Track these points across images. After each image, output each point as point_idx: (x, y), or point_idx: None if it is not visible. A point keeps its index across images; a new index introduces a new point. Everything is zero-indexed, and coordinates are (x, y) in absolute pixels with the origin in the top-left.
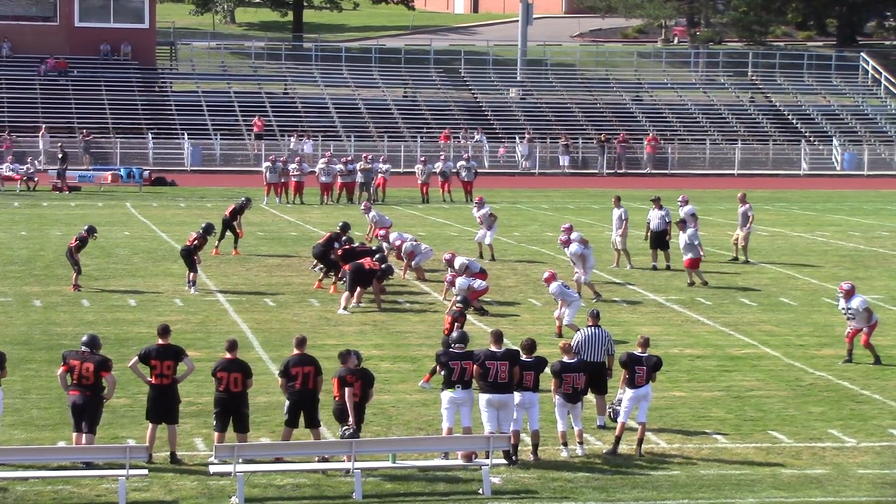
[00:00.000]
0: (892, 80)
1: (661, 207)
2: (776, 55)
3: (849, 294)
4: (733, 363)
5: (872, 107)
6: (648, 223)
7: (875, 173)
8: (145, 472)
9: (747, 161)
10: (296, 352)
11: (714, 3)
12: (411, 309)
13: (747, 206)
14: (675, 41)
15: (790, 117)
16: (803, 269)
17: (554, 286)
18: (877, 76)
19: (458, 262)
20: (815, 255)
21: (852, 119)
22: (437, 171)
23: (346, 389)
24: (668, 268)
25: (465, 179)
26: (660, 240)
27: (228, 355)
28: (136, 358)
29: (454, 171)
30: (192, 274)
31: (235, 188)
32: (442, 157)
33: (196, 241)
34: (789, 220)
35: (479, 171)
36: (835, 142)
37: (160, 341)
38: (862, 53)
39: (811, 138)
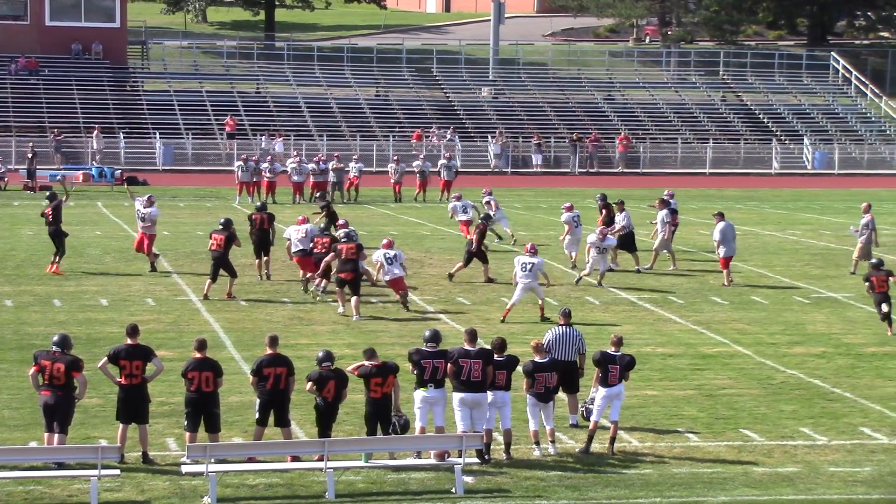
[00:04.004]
0: (863, 80)
1: (623, 210)
2: (747, 54)
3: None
4: (705, 362)
5: (843, 106)
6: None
7: (846, 172)
8: (117, 472)
9: (719, 160)
10: (269, 351)
11: (685, 3)
12: (384, 308)
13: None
14: (647, 40)
15: (761, 116)
16: (774, 268)
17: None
18: (847, 75)
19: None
20: (786, 253)
21: (823, 118)
22: (416, 170)
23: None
24: (637, 271)
25: (446, 178)
26: (627, 241)
27: (198, 355)
28: (106, 358)
29: (433, 170)
30: (233, 279)
31: (207, 187)
32: (421, 157)
33: (222, 244)
34: (761, 218)
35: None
36: (806, 141)
37: (129, 341)
38: (832, 53)
39: (782, 137)
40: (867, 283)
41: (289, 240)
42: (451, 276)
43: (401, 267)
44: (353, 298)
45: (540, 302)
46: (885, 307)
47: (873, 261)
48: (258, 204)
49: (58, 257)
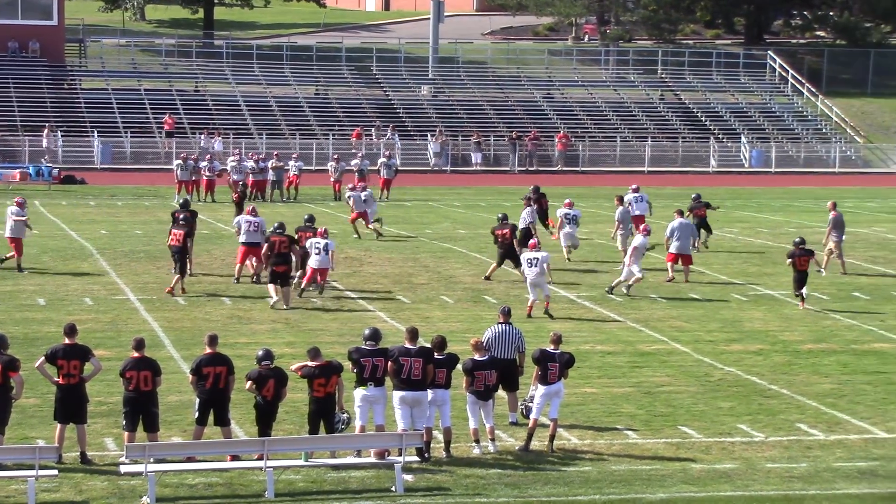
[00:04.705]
0: (799, 79)
1: (529, 205)
2: (685, 53)
3: None
4: (644, 359)
5: (780, 104)
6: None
7: (782, 170)
8: (55, 472)
9: (657, 158)
10: (208, 350)
11: (624, 2)
12: (323, 307)
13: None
14: (586, 39)
15: (699, 115)
16: (712, 265)
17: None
18: (784, 74)
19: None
20: (723, 251)
21: (760, 117)
22: (355, 168)
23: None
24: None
25: (385, 177)
26: (527, 238)
27: (136, 354)
28: (43, 358)
29: (372, 168)
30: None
31: (146, 186)
32: (359, 155)
33: (181, 239)
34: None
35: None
36: (743, 139)
37: (67, 341)
38: (769, 52)
39: (720, 135)
40: (789, 261)
41: (238, 227)
42: (487, 277)
43: (329, 257)
44: (284, 289)
45: (545, 298)
46: (803, 288)
47: (796, 240)
48: (181, 201)
49: None
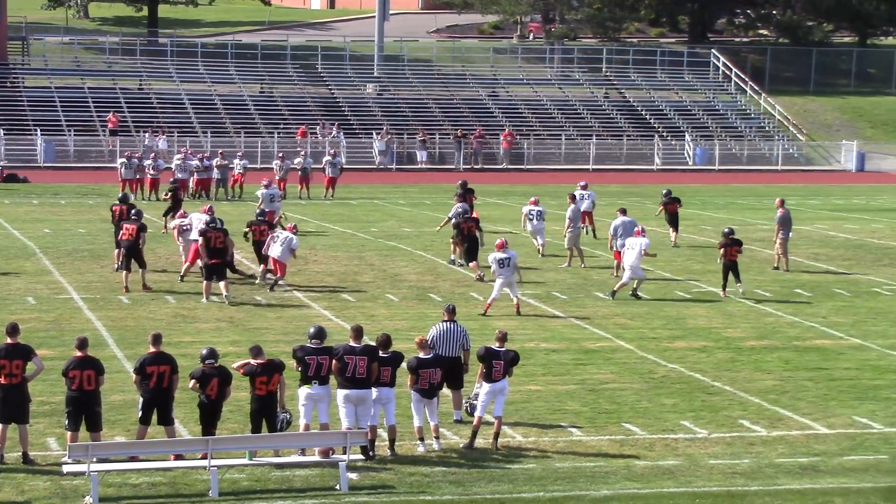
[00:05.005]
0: (743, 77)
1: (462, 200)
2: (630, 51)
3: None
4: (588, 356)
5: (723, 102)
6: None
7: (726, 168)
8: None
9: (602, 156)
10: (152, 349)
11: (568, 0)
12: (268, 305)
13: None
14: (531, 37)
15: (643, 113)
16: (656, 263)
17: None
18: (727, 72)
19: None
20: (666, 248)
21: (704, 115)
22: (298, 167)
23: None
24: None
25: (330, 175)
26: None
27: (79, 353)
28: None
29: (316, 167)
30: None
31: (90, 184)
32: (302, 154)
33: (134, 233)
34: (642, 214)
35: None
36: (687, 137)
37: (9, 340)
38: (713, 50)
39: (664, 133)
40: (721, 251)
41: (188, 225)
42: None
43: (289, 252)
44: (222, 283)
45: (515, 298)
46: (737, 277)
47: (725, 230)
48: (120, 195)
49: None
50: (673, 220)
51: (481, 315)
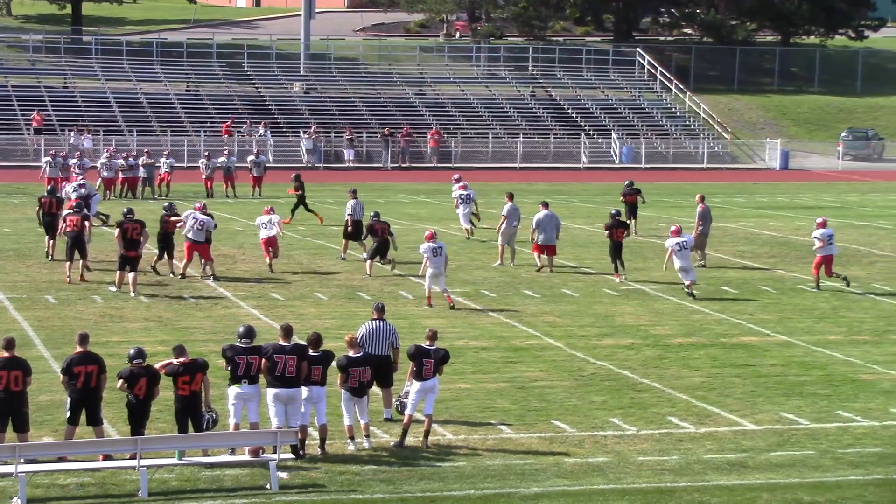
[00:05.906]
0: (668, 76)
1: (355, 198)
2: (556, 50)
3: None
4: (517, 354)
5: (649, 101)
6: (351, 216)
7: (652, 166)
8: None
9: (529, 154)
10: (79, 349)
11: None
12: (196, 305)
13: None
14: (457, 36)
15: (570, 111)
16: (584, 261)
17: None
18: (652, 71)
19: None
20: (595, 246)
21: (630, 113)
22: (221, 166)
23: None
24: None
25: (255, 175)
26: (358, 230)
27: (6, 354)
28: None
29: (241, 165)
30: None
31: (14, 183)
32: (225, 152)
33: (79, 224)
34: (570, 212)
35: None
36: (613, 135)
37: None
38: (638, 49)
39: (590, 132)
40: (607, 232)
41: (182, 223)
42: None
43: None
44: (131, 275)
45: (444, 292)
46: (619, 259)
47: (612, 211)
48: (48, 188)
49: None
50: (632, 211)
51: (428, 307)
